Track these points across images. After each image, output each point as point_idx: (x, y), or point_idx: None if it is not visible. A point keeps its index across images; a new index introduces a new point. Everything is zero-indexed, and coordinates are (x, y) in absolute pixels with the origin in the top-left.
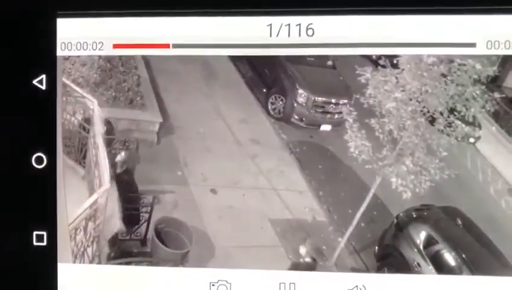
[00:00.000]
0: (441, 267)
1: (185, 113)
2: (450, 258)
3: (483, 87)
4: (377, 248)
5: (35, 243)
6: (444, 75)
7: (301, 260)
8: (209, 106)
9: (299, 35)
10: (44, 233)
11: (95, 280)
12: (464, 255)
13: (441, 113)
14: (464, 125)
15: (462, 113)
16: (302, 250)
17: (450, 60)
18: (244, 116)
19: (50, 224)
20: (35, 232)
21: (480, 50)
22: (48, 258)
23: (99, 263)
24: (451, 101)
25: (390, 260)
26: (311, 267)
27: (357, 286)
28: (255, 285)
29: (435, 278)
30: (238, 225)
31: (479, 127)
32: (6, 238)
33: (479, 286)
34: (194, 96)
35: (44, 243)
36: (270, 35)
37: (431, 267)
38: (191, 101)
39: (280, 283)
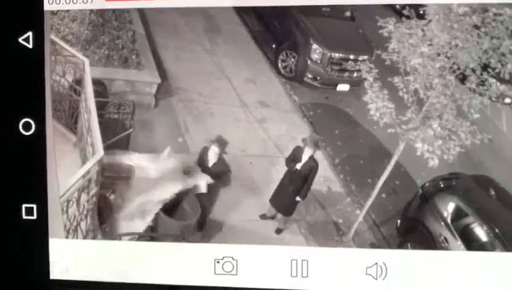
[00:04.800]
0: (471, 243)
1: (185, 72)
2: (481, 232)
3: None
4: (399, 221)
5: (24, 217)
6: (476, 27)
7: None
8: (211, 64)
9: None
10: (34, 206)
11: (89, 256)
12: (497, 230)
13: (473, 70)
14: (498, 84)
15: (497, 70)
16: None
17: (484, 9)
18: (251, 75)
19: (40, 196)
20: (24, 205)
21: None
22: (39, 233)
23: (94, 238)
24: (484, 56)
25: (414, 234)
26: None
27: (376, 264)
28: (264, 262)
29: (464, 255)
30: (245, 197)
31: None
32: None
33: None
34: (195, 53)
35: (34, 217)
36: None
37: (460, 242)
38: (191, 58)
39: (292, 260)
